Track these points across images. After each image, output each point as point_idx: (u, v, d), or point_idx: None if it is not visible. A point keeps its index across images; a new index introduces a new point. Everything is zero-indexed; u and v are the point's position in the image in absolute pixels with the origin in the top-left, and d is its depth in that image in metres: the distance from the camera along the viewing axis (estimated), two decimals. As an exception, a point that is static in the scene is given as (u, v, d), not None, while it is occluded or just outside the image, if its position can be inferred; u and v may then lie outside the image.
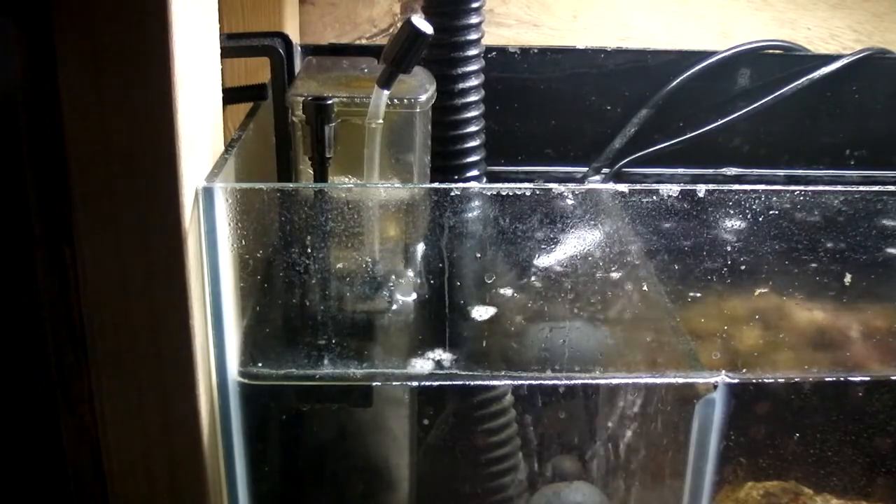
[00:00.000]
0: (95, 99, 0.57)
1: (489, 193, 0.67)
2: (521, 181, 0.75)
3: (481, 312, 0.72)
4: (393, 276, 0.73)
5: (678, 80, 1.03)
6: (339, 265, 0.70)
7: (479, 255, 0.70)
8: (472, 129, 0.86)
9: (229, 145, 0.70)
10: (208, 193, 0.63)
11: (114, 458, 0.64)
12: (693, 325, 0.72)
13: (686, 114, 1.04)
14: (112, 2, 0.55)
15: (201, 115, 0.63)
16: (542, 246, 0.69)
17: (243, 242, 0.67)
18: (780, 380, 0.72)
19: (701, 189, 0.67)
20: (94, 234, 0.59)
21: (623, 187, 0.67)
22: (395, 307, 0.73)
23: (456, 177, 0.86)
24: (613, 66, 1.03)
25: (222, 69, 0.69)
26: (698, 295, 0.71)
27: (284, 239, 0.67)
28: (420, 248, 0.72)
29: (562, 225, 0.68)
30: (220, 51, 0.68)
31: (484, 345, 0.71)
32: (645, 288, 0.71)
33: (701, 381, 0.70)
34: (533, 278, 0.70)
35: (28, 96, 0.58)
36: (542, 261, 0.69)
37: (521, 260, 0.69)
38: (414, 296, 0.73)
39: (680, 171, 1.05)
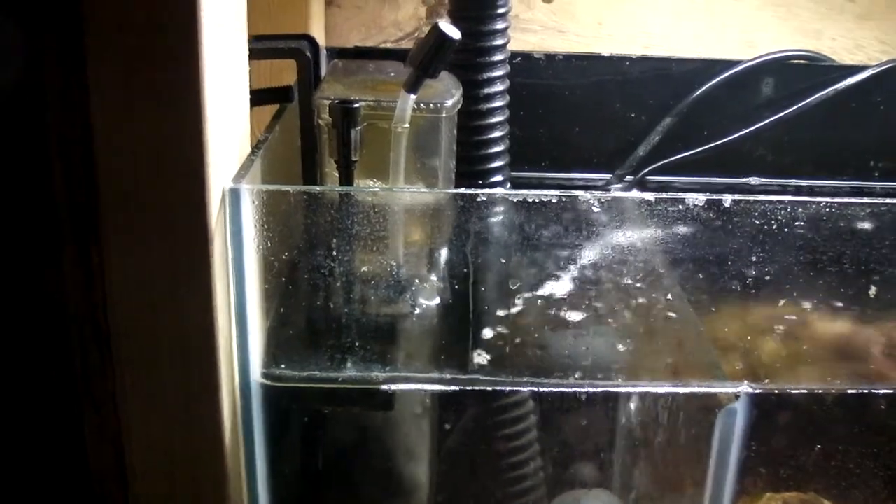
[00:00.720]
0: (124, 99, 0.57)
1: (515, 199, 0.67)
2: (544, 187, 0.74)
3: (505, 318, 0.71)
4: (417, 281, 0.73)
5: (702, 89, 1.03)
6: (364, 268, 0.70)
7: (503, 261, 0.70)
8: (497, 134, 0.86)
9: (256, 147, 0.70)
10: (235, 195, 0.63)
11: (136, 457, 0.64)
12: (717, 334, 0.72)
13: (710, 123, 1.04)
14: (142, 2, 0.55)
15: (229, 117, 0.63)
16: (567, 253, 0.69)
17: (268, 244, 0.67)
18: (802, 391, 0.72)
19: (727, 199, 0.67)
20: (120, 235, 0.59)
21: (649, 196, 0.67)
22: (418, 311, 0.73)
23: (480, 182, 0.86)
24: (638, 73, 1.03)
25: (249, 71, 0.69)
26: (722, 305, 0.71)
27: (309, 241, 0.67)
28: (444, 252, 0.72)
29: (587, 232, 0.68)
30: (247, 53, 0.68)
31: (507, 350, 0.71)
32: (669, 297, 0.71)
33: (723, 391, 0.70)
34: (557, 285, 0.70)
35: (57, 96, 0.58)
36: (567, 268, 0.69)
37: (546, 266, 0.69)
38: (437, 300, 0.73)
39: (703, 179, 1.04)
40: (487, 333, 0.71)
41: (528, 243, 0.68)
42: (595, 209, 0.68)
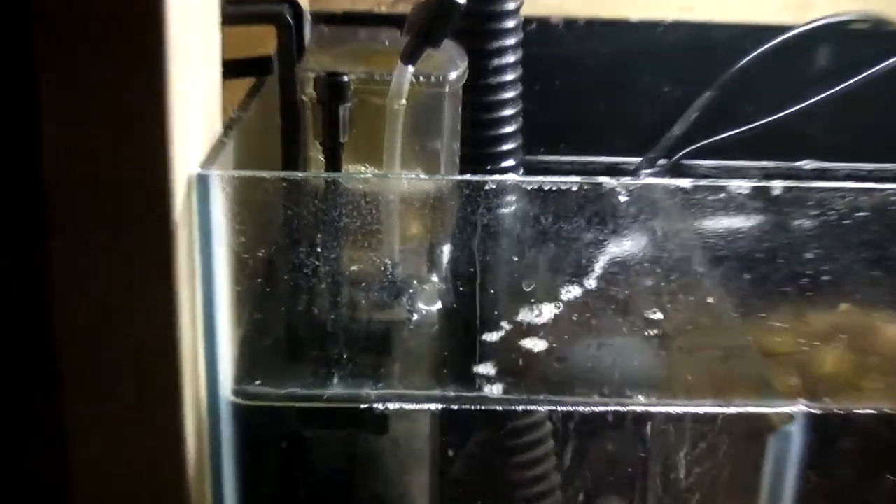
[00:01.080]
0: (73, 69, 0.56)
1: (529, 187, 0.67)
2: (563, 173, 0.74)
3: (517, 325, 0.71)
4: (415, 282, 0.73)
5: (748, 59, 1.03)
6: (354, 268, 0.70)
7: (515, 259, 0.69)
8: (509, 112, 0.86)
9: (228, 127, 0.70)
10: (203, 182, 0.62)
11: (82, 487, 0.63)
12: (766, 344, 0.72)
13: (756, 98, 1.04)
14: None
15: (197, 91, 0.63)
16: (590, 249, 0.69)
17: (242, 239, 0.67)
18: (869, 411, 0.71)
19: (777, 186, 0.67)
20: (69, 228, 0.59)
21: (685, 183, 0.67)
22: (417, 318, 0.73)
23: (490, 167, 0.85)
24: (672, 41, 1.03)
25: (222, 38, 0.69)
26: (773, 310, 0.71)
27: (290, 236, 0.67)
28: (447, 249, 0.72)
29: (613, 225, 0.68)
30: (220, 17, 0.68)
31: (520, 363, 0.71)
32: (710, 300, 0.71)
33: (775, 410, 0.70)
34: (578, 287, 0.70)
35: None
36: (590, 267, 0.69)
37: (565, 265, 0.69)
38: (439, 305, 0.73)
39: (748, 163, 1.05)
40: (497, 343, 0.71)
41: (545, 239, 0.68)
42: (622, 198, 0.67)
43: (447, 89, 0.75)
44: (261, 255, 0.68)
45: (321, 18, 0.99)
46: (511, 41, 0.85)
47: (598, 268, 0.69)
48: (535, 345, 0.71)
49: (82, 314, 0.60)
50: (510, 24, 0.84)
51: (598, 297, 0.70)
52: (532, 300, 0.70)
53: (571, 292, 0.70)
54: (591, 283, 0.69)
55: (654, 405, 0.71)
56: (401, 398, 0.70)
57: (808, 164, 1.06)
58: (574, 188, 0.66)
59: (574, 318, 0.70)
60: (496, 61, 0.84)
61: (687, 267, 0.69)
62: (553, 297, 0.70)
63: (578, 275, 0.69)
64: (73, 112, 0.57)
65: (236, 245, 0.66)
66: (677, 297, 0.70)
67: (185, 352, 0.62)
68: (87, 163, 0.58)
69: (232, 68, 0.74)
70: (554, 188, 0.66)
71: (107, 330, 0.60)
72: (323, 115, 0.71)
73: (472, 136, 0.83)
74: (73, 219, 0.58)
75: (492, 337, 0.71)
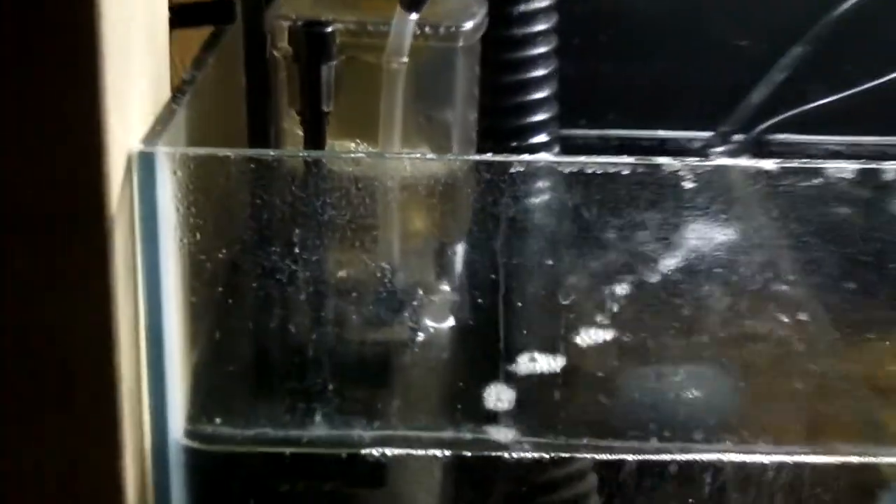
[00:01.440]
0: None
1: (567, 171, 0.67)
2: (611, 152, 0.74)
3: (552, 348, 0.71)
4: (420, 293, 0.73)
5: (848, 4, 1.03)
6: (342, 274, 0.70)
7: (549, 263, 0.69)
8: (540, 72, 0.86)
9: (179, 91, 0.71)
10: (147, 161, 0.63)
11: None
12: (875, 375, 0.72)
13: (859, 55, 1.04)
14: None
15: (137, 46, 0.63)
16: (645, 251, 0.69)
17: (198, 236, 0.67)
18: None
19: (889, 168, 0.67)
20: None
21: (769, 164, 0.67)
22: (422, 338, 0.73)
23: (516, 144, 0.86)
24: (753, -20, 1.04)
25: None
26: (884, 330, 0.71)
27: (260, 232, 0.67)
28: (461, 250, 0.72)
29: (675, 219, 0.68)
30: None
31: (555, 397, 0.71)
32: (801, 317, 0.70)
33: (888, 460, 0.70)
34: (630, 299, 0.70)
35: None
36: (645, 273, 0.69)
37: (614, 271, 0.69)
38: (451, 322, 0.73)
39: (850, 139, 1.05)
40: (525, 371, 0.71)
41: (587, 237, 0.68)
42: (688, 184, 0.67)
43: (461, 43, 0.75)
44: (222, 256, 0.68)
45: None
46: (543, -20, 0.85)
47: (657, 275, 0.69)
48: (575, 374, 0.71)
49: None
50: (542, -44, 0.85)
51: (656, 312, 0.70)
52: (571, 316, 0.71)
53: (621, 306, 0.70)
54: (646, 294, 0.70)
55: (729, 452, 0.71)
56: (402, 442, 0.70)
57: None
58: (625, 171, 0.66)
59: (625, 340, 0.70)
60: (524, 6, 0.84)
61: (772, 274, 0.69)
62: (597, 313, 0.70)
63: (630, 284, 0.69)
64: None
65: (190, 243, 0.66)
66: (759, 313, 0.70)
67: (124, 380, 0.62)
68: (2, 138, 0.58)
69: (183, 14, 0.74)
70: (599, 172, 0.66)
71: (26, 350, 0.61)
72: (301, 77, 0.71)
73: (493, 103, 0.84)
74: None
75: (518, 363, 0.71)
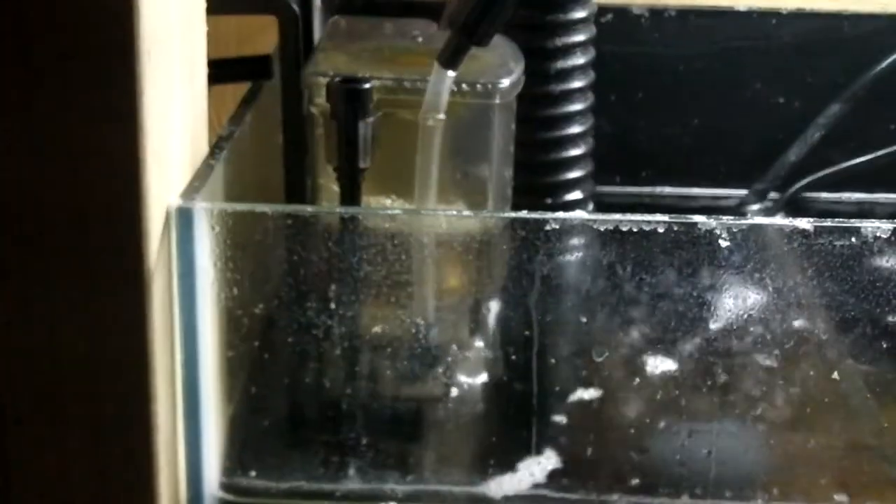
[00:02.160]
0: (21, 76, 0.57)
1: (602, 228, 0.67)
2: (646, 210, 0.74)
3: (586, 405, 0.71)
4: (454, 348, 0.73)
5: (887, 62, 1.03)
6: (376, 329, 0.70)
7: (584, 321, 0.70)
8: (576, 129, 0.87)
9: (216, 146, 0.71)
10: (185, 216, 0.63)
11: None
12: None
13: (897, 113, 1.04)
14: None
15: (177, 100, 0.64)
16: (680, 309, 0.68)
17: (235, 291, 0.67)
18: None
19: (927, 229, 0.67)
20: (19, 277, 0.60)
21: (805, 223, 0.67)
22: (456, 394, 0.73)
23: (551, 201, 0.87)
24: (790, 37, 1.03)
25: (208, 32, 0.70)
26: None
27: (296, 287, 0.68)
28: (495, 306, 0.72)
29: (711, 278, 0.68)
30: (205, 4, 0.69)
31: (589, 453, 0.71)
32: (835, 376, 0.70)
33: None
34: (665, 356, 0.70)
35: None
36: (680, 331, 0.69)
37: (648, 329, 0.69)
38: (485, 378, 0.73)
39: (888, 197, 1.05)
40: (560, 426, 0.71)
41: (622, 295, 0.68)
42: (724, 243, 0.67)
43: (498, 100, 0.75)
44: (258, 311, 0.69)
45: (336, 6, 1.00)
46: (581, 38, 0.86)
47: (691, 333, 0.69)
48: (609, 430, 0.71)
49: (33, 379, 0.61)
50: (580, 14, 0.85)
51: (690, 369, 0.70)
52: (605, 373, 0.71)
53: (656, 364, 0.70)
54: (681, 351, 0.70)
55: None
56: (434, 497, 0.70)
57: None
58: (660, 230, 0.66)
59: (659, 397, 0.70)
60: (561, 63, 0.85)
61: (807, 333, 0.69)
62: (632, 370, 0.70)
63: (665, 341, 0.69)
64: (21, 133, 0.58)
65: (227, 298, 0.67)
66: (792, 369, 0.70)
67: (161, 432, 0.62)
68: (41, 192, 0.59)
69: (221, 70, 0.74)
70: (634, 229, 0.66)
71: (61, 400, 0.61)
72: (338, 133, 0.72)
73: (529, 160, 0.84)
74: (25, 264, 0.60)
75: (553, 419, 0.71)
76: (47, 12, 0.56)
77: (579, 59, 0.86)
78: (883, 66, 1.03)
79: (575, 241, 0.68)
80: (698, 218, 0.67)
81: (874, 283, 0.68)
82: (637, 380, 0.71)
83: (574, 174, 0.87)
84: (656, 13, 1.03)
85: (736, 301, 0.68)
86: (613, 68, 0.97)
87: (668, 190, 1.06)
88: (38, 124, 0.58)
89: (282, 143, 0.81)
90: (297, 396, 0.72)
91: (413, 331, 0.71)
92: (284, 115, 0.81)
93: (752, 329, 0.69)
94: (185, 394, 0.66)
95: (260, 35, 0.85)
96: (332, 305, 0.68)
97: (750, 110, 1.04)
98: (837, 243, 0.67)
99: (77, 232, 0.59)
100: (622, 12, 1.02)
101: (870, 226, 0.67)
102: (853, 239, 0.67)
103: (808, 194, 1.04)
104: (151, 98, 0.59)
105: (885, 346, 0.69)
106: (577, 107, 0.87)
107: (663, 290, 0.68)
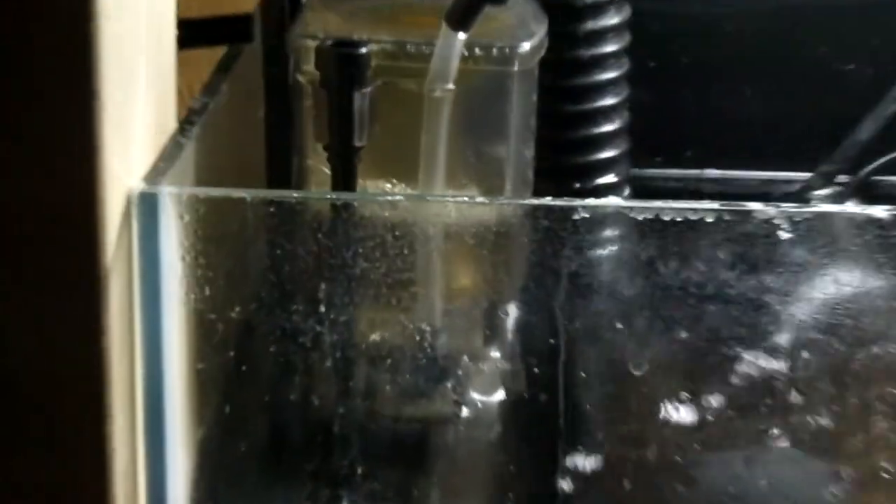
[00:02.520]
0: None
1: (640, 217, 0.67)
2: (692, 196, 0.74)
3: (620, 426, 0.72)
4: (466, 360, 0.73)
5: None
6: (374, 336, 0.70)
7: (619, 326, 0.69)
8: (609, 101, 0.87)
9: (186, 121, 0.71)
10: (149, 203, 0.63)
11: None
12: None
13: None
14: None
15: (140, 67, 0.64)
16: (733, 312, 0.69)
17: (207, 291, 0.67)
18: None
19: None
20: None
21: (879, 210, 0.67)
22: (468, 414, 0.73)
23: (580, 185, 0.86)
24: (859, -4, 1.04)
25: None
26: None
27: (279, 287, 0.68)
28: (514, 310, 0.71)
29: (768, 274, 0.68)
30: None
31: (626, 483, 0.71)
32: None
33: None
34: (714, 369, 0.70)
35: None
36: (732, 337, 0.69)
37: (695, 336, 0.69)
38: (502, 395, 0.73)
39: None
40: (590, 451, 0.71)
41: (664, 295, 0.68)
42: (784, 234, 0.67)
43: (516, 66, 0.75)
44: (234, 315, 0.69)
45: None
46: (614, -5, 0.86)
47: (745, 339, 0.69)
48: (648, 456, 0.71)
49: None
50: (612, -34, 0.86)
51: (744, 385, 0.70)
52: (643, 389, 0.71)
53: (703, 377, 0.70)
54: (733, 363, 0.69)
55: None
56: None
57: None
58: (709, 219, 0.66)
59: (708, 418, 0.70)
60: (591, 24, 0.85)
61: (881, 339, 0.69)
62: (675, 385, 0.70)
63: (714, 351, 0.69)
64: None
65: (198, 300, 0.67)
66: (864, 385, 0.70)
67: (116, 459, 0.62)
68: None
69: (193, 32, 0.75)
70: (678, 219, 0.66)
71: (9, 420, 0.61)
72: (329, 106, 0.72)
73: (554, 138, 0.84)
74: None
75: (582, 443, 0.71)
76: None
77: (612, 19, 0.86)
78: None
79: (608, 232, 0.68)
80: (754, 205, 0.67)
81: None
82: (680, 394, 0.71)
83: (607, 154, 0.87)
84: (703, -33, 1.04)
85: (798, 301, 0.69)
86: (652, 29, 0.97)
87: (716, 173, 1.06)
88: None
89: (263, 117, 0.82)
90: (281, 417, 0.71)
91: (417, 339, 0.71)
92: (266, 84, 0.81)
93: (817, 336, 0.69)
94: (146, 413, 0.66)
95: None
96: (323, 309, 0.68)
97: (813, 79, 1.05)
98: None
99: (21, 222, 0.60)
100: (663, -34, 1.03)
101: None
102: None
103: (882, 178, 1.04)
104: (110, 64, 0.59)
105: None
106: (609, 75, 0.87)
107: (712, 289, 0.68)
